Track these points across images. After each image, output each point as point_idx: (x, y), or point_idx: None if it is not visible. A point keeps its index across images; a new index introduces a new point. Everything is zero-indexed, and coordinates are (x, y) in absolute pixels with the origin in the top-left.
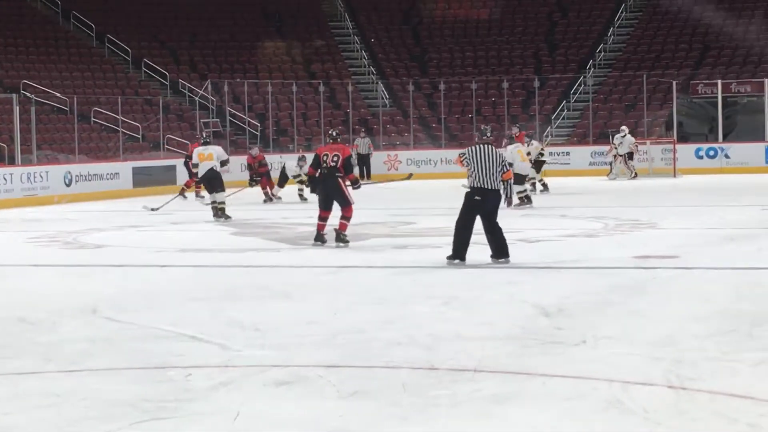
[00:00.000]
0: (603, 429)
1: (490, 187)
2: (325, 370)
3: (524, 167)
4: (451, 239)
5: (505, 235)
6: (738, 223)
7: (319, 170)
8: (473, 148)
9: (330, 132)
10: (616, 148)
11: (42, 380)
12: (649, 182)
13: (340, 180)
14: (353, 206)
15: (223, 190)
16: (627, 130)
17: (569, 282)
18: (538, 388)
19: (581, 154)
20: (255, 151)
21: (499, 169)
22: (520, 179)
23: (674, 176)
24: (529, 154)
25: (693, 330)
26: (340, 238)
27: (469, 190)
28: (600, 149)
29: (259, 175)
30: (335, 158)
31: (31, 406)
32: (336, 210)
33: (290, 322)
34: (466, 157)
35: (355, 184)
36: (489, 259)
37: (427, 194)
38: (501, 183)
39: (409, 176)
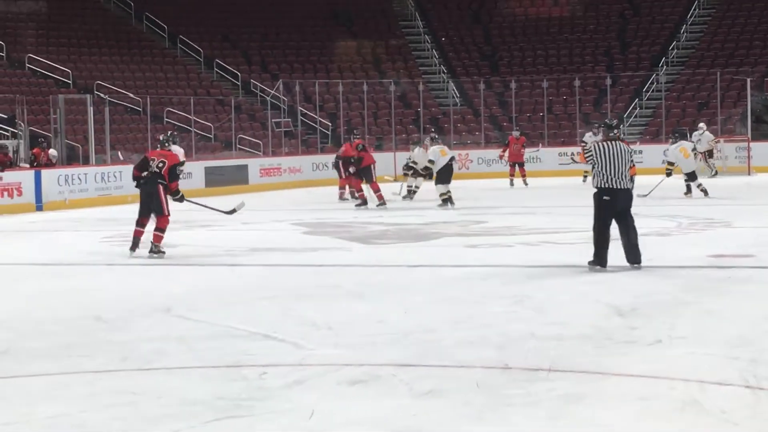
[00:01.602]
0: (680, 429)
1: (619, 187)
2: (397, 369)
3: (689, 164)
4: (523, 238)
5: (595, 235)
6: None
7: (144, 173)
8: (599, 144)
9: (159, 137)
10: (695, 145)
11: (118, 379)
12: (724, 180)
13: (161, 187)
14: (169, 218)
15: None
16: (705, 128)
17: (643, 281)
18: (613, 388)
19: (654, 152)
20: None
21: (628, 167)
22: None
23: (749, 174)
24: (694, 149)
25: None
26: (154, 250)
27: (596, 189)
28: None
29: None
30: (160, 164)
31: (108, 404)
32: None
33: (362, 321)
34: (591, 155)
35: (176, 195)
36: (560, 259)
37: (498, 193)
38: (631, 180)
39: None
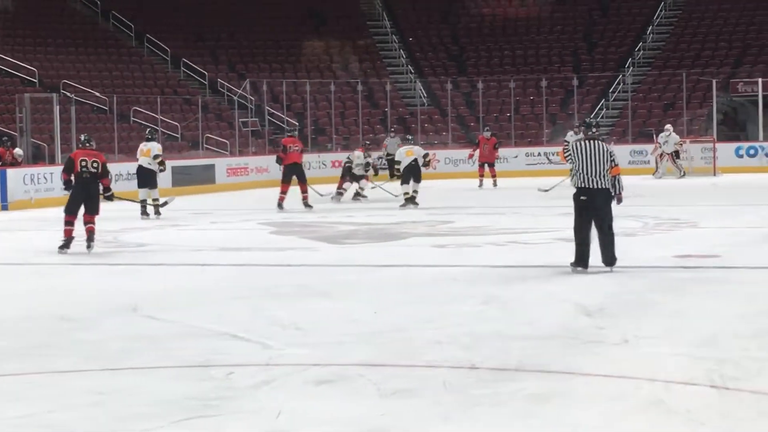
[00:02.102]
0: (646, 429)
1: (596, 187)
2: (365, 369)
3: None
4: (491, 238)
5: (575, 236)
6: None
7: (74, 175)
8: (578, 143)
9: (80, 137)
10: (661, 146)
11: (86, 379)
12: (689, 181)
13: (98, 187)
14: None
15: (156, 187)
16: (671, 129)
17: (610, 282)
18: (581, 388)
19: (621, 153)
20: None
21: (607, 166)
22: None
23: (714, 175)
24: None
25: (735, 330)
26: (92, 240)
27: (575, 190)
28: (639, 148)
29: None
30: (95, 164)
31: (76, 404)
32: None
33: (331, 321)
34: (569, 153)
35: (107, 192)
36: (528, 259)
37: (465, 193)
38: (610, 180)
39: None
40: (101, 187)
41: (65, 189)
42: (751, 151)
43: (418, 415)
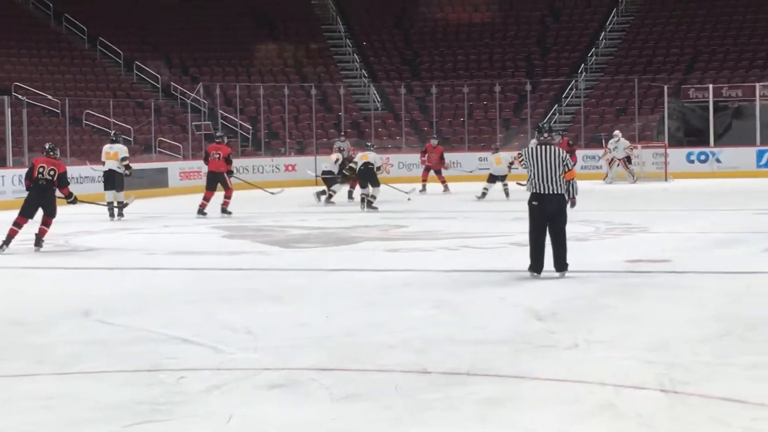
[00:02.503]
0: (595, 430)
1: (548, 192)
2: (317, 373)
3: (499, 169)
4: (443, 242)
5: (529, 241)
6: (729, 227)
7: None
8: (531, 148)
9: (46, 146)
10: (611, 152)
11: (34, 383)
12: (641, 186)
13: (54, 193)
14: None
15: (123, 190)
16: (620, 135)
17: (561, 286)
18: (531, 392)
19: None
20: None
21: (560, 171)
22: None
23: (666, 180)
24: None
25: (686, 334)
26: (41, 243)
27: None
28: (591, 153)
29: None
30: (51, 172)
31: (24, 409)
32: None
33: (282, 325)
34: (523, 159)
35: (69, 198)
36: (480, 264)
37: (417, 198)
38: (565, 185)
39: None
40: (58, 194)
41: (27, 191)
42: (702, 157)
43: (370, 419)
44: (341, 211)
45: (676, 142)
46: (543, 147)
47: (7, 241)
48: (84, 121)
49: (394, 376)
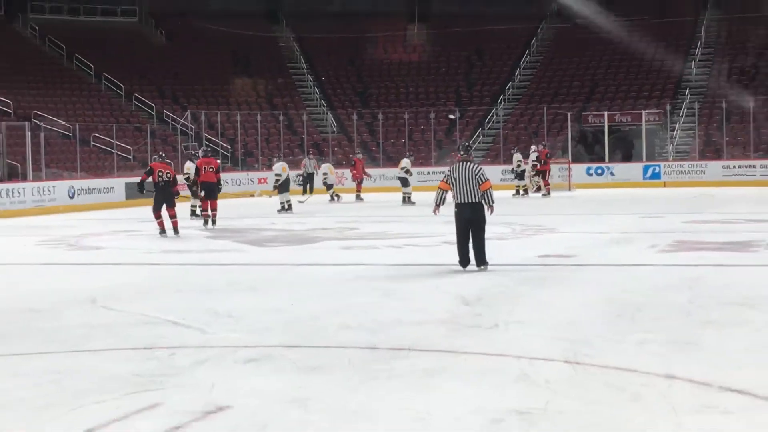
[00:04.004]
0: (513, 396)
1: (465, 201)
2: (285, 350)
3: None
4: (390, 241)
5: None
6: (621, 228)
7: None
8: (453, 167)
9: (160, 154)
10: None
11: (45, 360)
12: (550, 195)
13: (171, 190)
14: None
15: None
16: (536, 149)
17: (486, 277)
18: (462, 364)
19: (493, 172)
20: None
21: (473, 182)
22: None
23: (570, 190)
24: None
25: (586, 315)
26: (178, 230)
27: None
28: (508, 168)
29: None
30: (168, 175)
31: (36, 383)
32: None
33: (257, 310)
34: (448, 176)
35: (176, 195)
36: (420, 258)
37: (367, 204)
38: (480, 195)
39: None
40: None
41: (138, 188)
42: (599, 171)
43: (330, 388)
44: (303, 216)
45: (577, 159)
46: (462, 164)
47: (163, 231)
48: (92, 143)
49: (348, 351)
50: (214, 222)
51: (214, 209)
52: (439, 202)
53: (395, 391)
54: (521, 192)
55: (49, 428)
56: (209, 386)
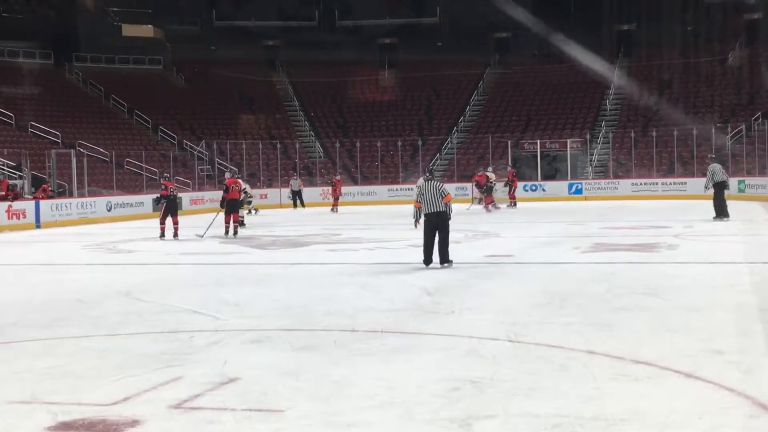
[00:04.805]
0: (466, 368)
1: (431, 211)
2: (283, 333)
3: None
4: (365, 245)
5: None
6: (551, 234)
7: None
8: (422, 185)
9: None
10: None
11: (92, 341)
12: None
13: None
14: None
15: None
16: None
17: (444, 272)
18: (424, 342)
19: (450, 188)
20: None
21: (438, 196)
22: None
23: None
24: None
25: (524, 303)
26: (237, 231)
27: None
28: (461, 185)
29: None
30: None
31: (86, 358)
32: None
33: (260, 300)
34: (419, 193)
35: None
36: (390, 258)
37: (348, 216)
38: (443, 206)
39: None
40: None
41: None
42: (533, 188)
43: (318, 363)
44: (295, 225)
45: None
46: (428, 182)
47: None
48: (125, 166)
49: (333, 333)
50: (235, 233)
51: (236, 221)
52: (418, 218)
53: (371, 364)
54: (483, 204)
55: (97, 395)
56: (222, 362)
